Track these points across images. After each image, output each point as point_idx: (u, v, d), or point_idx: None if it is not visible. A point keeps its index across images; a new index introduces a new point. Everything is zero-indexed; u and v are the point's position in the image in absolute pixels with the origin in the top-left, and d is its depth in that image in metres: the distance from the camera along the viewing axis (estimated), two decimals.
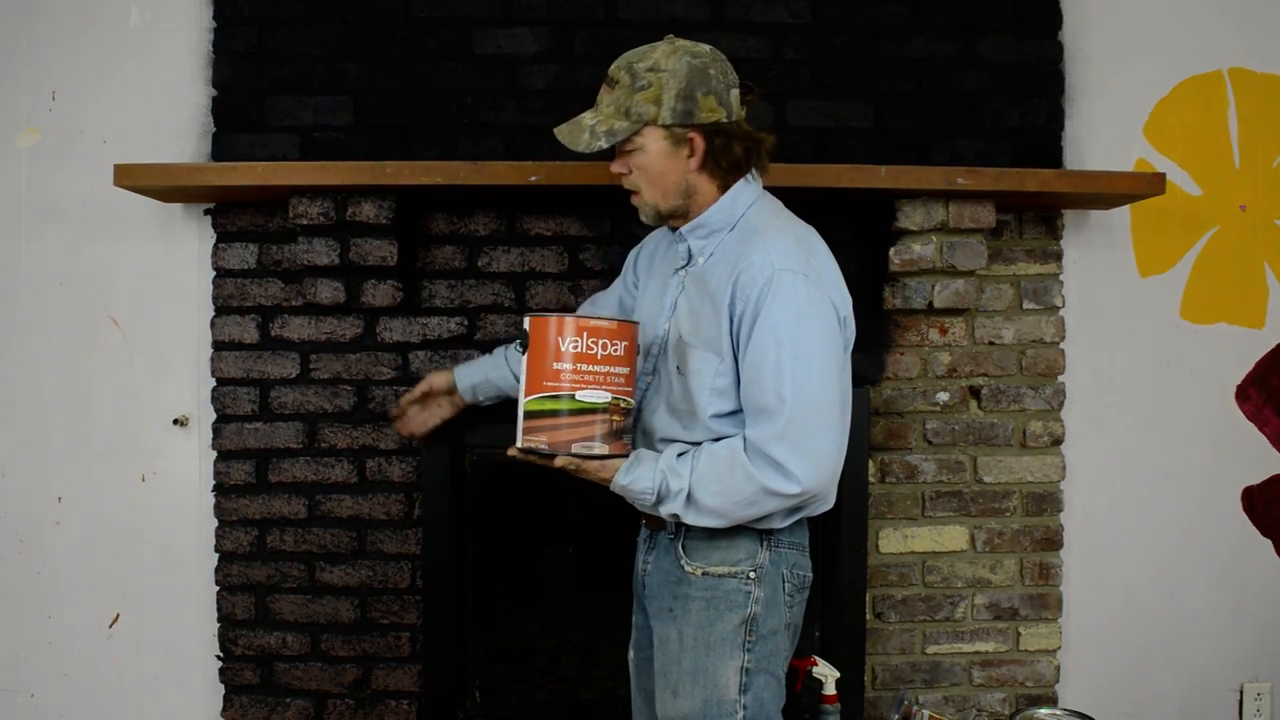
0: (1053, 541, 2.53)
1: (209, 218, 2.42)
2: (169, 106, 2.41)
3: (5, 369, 2.44)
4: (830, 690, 2.22)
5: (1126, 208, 2.55)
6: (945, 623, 2.52)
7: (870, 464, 2.48)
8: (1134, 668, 2.60)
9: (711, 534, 1.64)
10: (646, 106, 1.60)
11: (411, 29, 2.40)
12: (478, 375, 2.07)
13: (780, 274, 1.56)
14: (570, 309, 2.37)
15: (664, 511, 1.62)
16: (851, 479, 2.39)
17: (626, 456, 1.61)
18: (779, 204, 1.73)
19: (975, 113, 2.47)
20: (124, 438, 2.45)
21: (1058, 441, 2.53)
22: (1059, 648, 2.55)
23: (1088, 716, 2.23)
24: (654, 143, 1.62)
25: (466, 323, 2.43)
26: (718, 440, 1.61)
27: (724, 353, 1.60)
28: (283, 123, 2.39)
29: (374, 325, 2.42)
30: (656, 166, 1.63)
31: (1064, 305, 2.54)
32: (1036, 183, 2.27)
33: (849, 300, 1.68)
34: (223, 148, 2.39)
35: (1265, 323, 2.60)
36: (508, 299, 2.44)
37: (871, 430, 2.47)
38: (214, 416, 2.42)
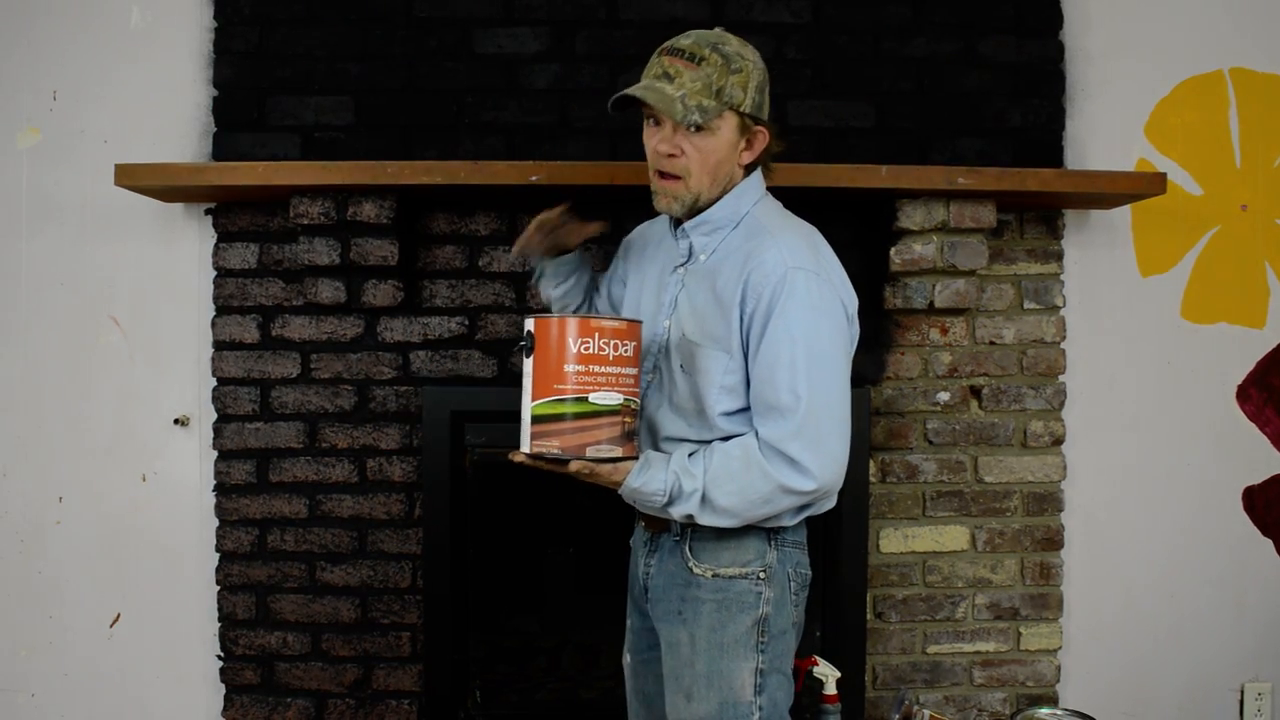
0: (1053, 541, 2.53)
1: (210, 217, 2.42)
2: (170, 106, 2.41)
3: (6, 369, 2.44)
4: (831, 690, 2.23)
5: (1127, 207, 2.55)
6: (946, 622, 2.52)
7: (871, 464, 2.48)
8: (1135, 667, 2.60)
9: (719, 535, 1.62)
10: (737, 91, 1.58)
11: (412, 29, 2.40)
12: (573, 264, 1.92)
13: (793, 272, 1.55)
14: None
15: (676, 513, 1.58)
16: (852, 479, 2.35)
17: (637, 459, 1.58)
18: (779, 204, 1.73)
19: (976, 112, 2.47)
20: (125, 437, 2.45)
21: (1058, 441, 2.53)
22: (1060, 648, 2.55)
23: (1088, 716, 2.23)
24: (729, 129, 1.61)
25: (467, 322, 2.43)
26: (726, 439, 1.60)
27: (733, 350, 1.59)
28: (283, 122, 2.39)
29: (375, 325, 2.42)
30: (720, 153, 1.61)
31: (1065, 305, 2.53)
32: (1037, 182, 2.27)
33: (855, 299, 1.67)
34: (223, 147, 2.39)
35: (1266, 322, 2.60)
36: (508, 299, 2.44)
37: (872, 430, 2.47)
38: (215, 416, 2.42)
